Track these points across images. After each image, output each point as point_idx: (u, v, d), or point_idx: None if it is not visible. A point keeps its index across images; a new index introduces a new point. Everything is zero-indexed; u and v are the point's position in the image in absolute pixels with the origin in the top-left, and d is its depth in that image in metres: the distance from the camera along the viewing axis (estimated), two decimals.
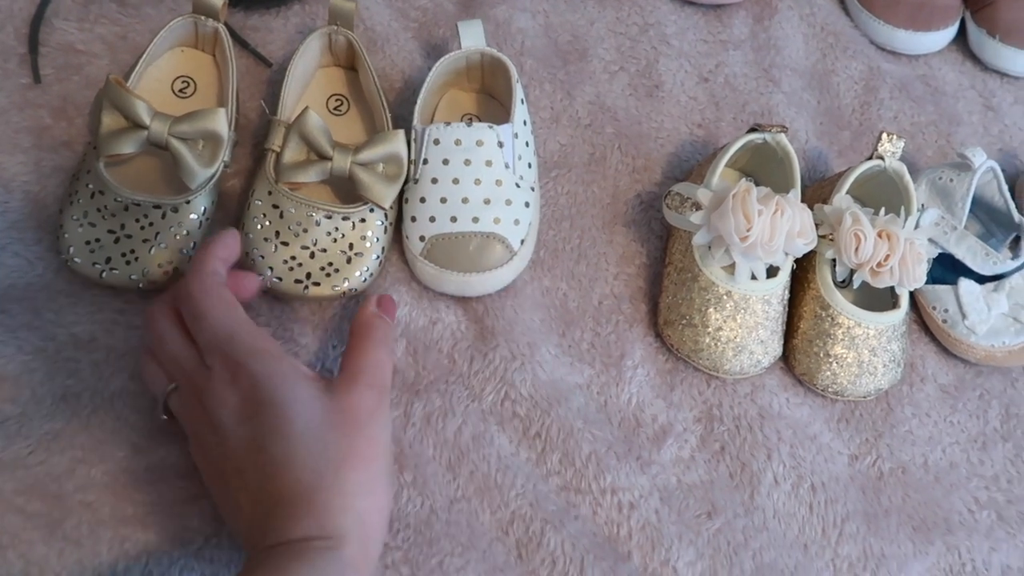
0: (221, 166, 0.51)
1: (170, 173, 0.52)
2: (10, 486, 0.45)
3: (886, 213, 0.56)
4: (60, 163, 0.54)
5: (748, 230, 0.51)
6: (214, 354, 0.42)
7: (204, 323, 0.43)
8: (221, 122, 0.50)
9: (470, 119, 0.60)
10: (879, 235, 0.53)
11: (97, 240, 0.49)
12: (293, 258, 0.51)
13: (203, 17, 0.55)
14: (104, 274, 0.49)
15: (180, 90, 0.57)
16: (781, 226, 0.52)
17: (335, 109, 0.58)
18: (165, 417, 0.45)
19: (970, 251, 0.58)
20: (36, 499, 0.45)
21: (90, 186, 0.50)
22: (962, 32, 0.71)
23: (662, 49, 0.66)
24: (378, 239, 0.53)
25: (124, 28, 0.59)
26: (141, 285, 0.49)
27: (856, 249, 0.53)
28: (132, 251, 0.49)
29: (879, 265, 0.53)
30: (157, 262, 0.49)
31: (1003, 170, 0.66)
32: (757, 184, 0.59)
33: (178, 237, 0.50)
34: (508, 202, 0.54)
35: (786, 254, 0.54)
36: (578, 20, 0.66)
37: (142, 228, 0.50)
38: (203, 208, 0.51)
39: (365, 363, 0.44)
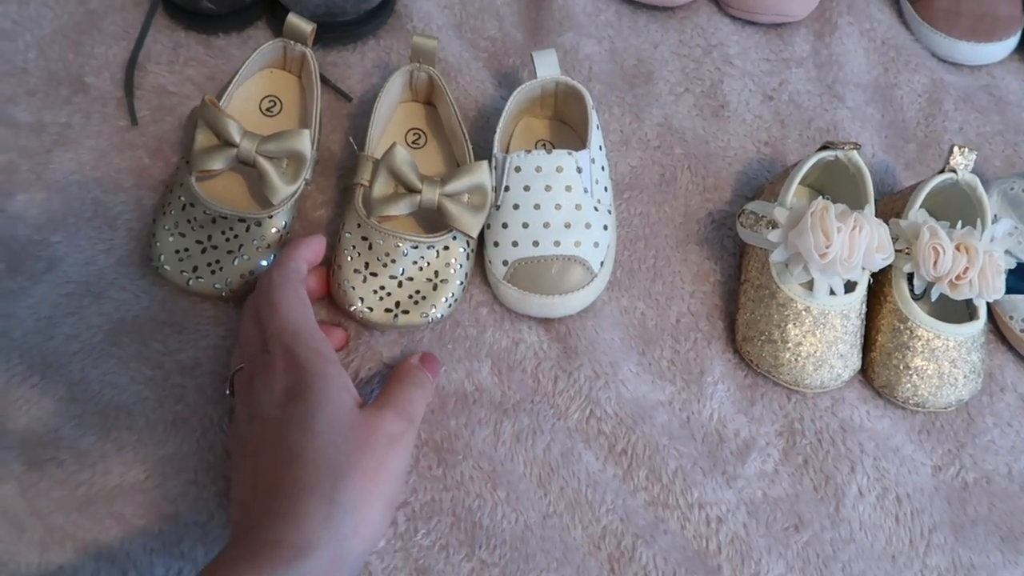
0: (303, 183, 0.54)
1: (255, 189, 0.55)
2: (129, 510, 0.48)
3: (959, 225, 0.56)
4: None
5: (827, 247, 0.52)
6: (276, 342, 0.45)
7: (274, 313, 0.45)
8: (305, 143, 0.53)
9: (545, 145, 0.61)
10: (957, 248, 0.54)
11: (186, 250, 0.52)
12: (382, 288, 0.53)
13: (292, 42, 0.57)
14: (191, 282, 0.52)
15: (267, 109, 0.59)
16: (860, 242, 0.52)
17: (413, 142, 0.60)
18: (229, 393, 0.48)
19: None
20: (154, 521, 0.48)
21: (182, 198, 0.53)
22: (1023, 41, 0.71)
23: (725, 69, 0.68)
24: (461, 265, 0.55)
25: (212, 69, 0.62)
26: (224, 294, 0.52)
27: (935, 263, 0.54)
28: (217, 261, 0.52)
29: (958, 278, 0.54)
30: (240, 272, 0.52)
31: None
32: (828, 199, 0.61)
33: (259, 249, 0.53)
34: (588, 225, 0.56)
35: (863, 269, 0.55)
36: (642, 44, 0.68)
37: (227, 240, 0.53)
38: (284, 223, 0.54)
39: (399, 395, 0.46)
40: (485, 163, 0.54)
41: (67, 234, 0.55)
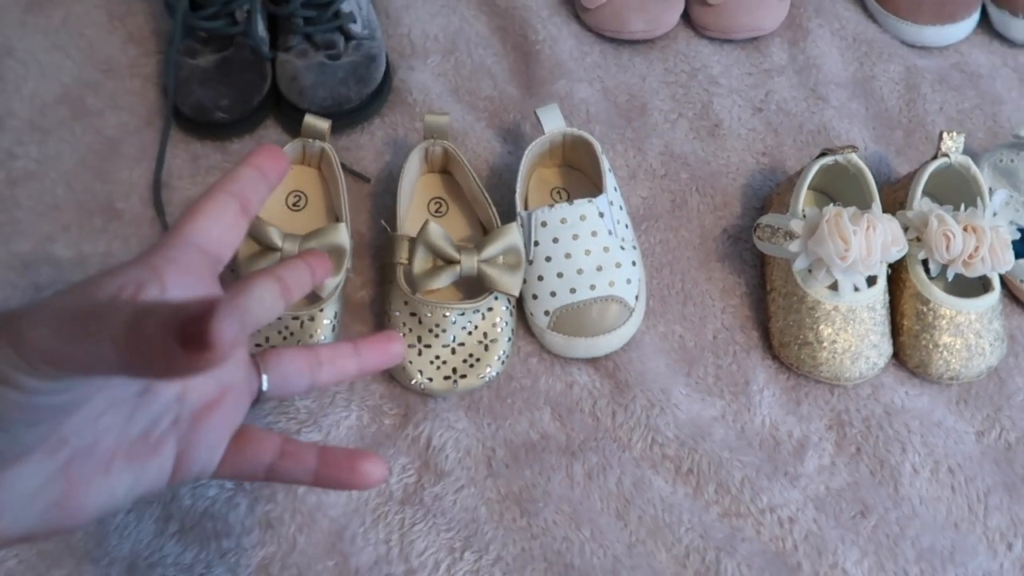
0: (346, 274, 0.56)
1: None
2: None
3: (959, 205, 0.60)
4: None
5: (847, 250, 0.55)
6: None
7: (183, 219, 0.33)
8: (343, 236, 0.56)
9: (560, 192, 0.64)
10: (965, 230, 0.57)
11: None
12: (438, 357, 0.56)
13: (311, 139, 0.60)
14: None
15: (294, 204, 0.62)
16: (876, 240, 0.56)
17: (436, 211, 0.63)
18: None
19: None
20: None
21: None
22: (984, 15, 0.75)
23: (713, 89, 0.71)
24: (507, 323, 0.58)
25: None
26: None
27: (947, 247, 0.57)
28: None
29: (970, 257, 0.57)
30: None
31: None
32: (834, 202, 0.64)
33: (316, 342, 0.55)
34: (618, 264, 0.59)
35: (882, 263, 0.58)
36: (631, 79, 0.71)
37: (284, 339, 0.55)
38: (334, 313, 0.57)
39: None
40: (514, 224, 0.57)
41: None
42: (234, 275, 0.56)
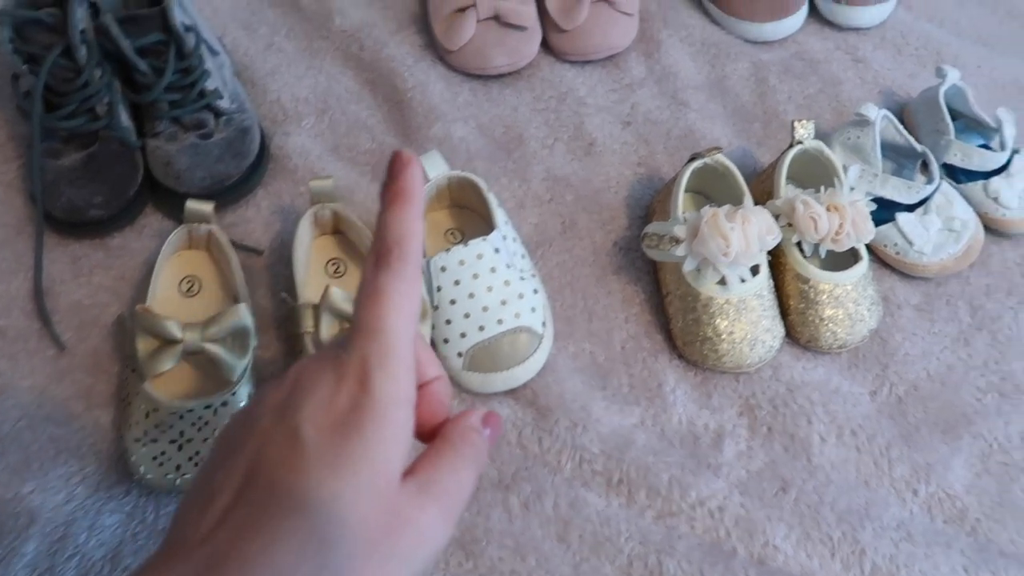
0: (252, 353, 0.56)
1: (208, 371, 0.57)
2: None
3: (819, 186, 0.65)
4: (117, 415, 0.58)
5: (728, 247, 0.59)
6: (359, 343, 0.31)
7: (374, 305, 0.31)
8: (244, 316, 0.55)
9: (454, 233, 0.66)
10: (828, 209, 0.62)
11: (163, 453, 0.54)
12: None
13: (196, 224, 0.59)
14: (178, 481, 0.54)
15: (187, 290, 0.61)
16: (752, 233, 0.60)
17: (335, 273, 0.63)
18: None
19: (895, 189, 0.68)
20: None
21: (143, 407, 0.55)
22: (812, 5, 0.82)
23: (583, 110, 0.74)
24: None
25: (119, 269, 0.63)
26: None
27: (815, 228, 0.62)
28: (197, 452, 0.54)
29: (836, 233, 0.62)
30: None
31: (885, 105, 0.77)
32: (709, 199, 0.68)
33: None
34: (520, 295, 0.61)
35: (761, 252, 0.62)
36: (503, 112, 0.74)
37: (199, 429, 0.55)
38: (247, 394, 0.56)
39: (450, 482, 0.33)
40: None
41: (37, 481, 0.55)
42: (136, 375, 0.55)
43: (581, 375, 0.63)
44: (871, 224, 0.63)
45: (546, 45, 0.77)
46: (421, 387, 0.35)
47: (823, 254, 0.64)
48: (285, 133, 0.70)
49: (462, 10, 0.72)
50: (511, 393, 0.61)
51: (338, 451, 0.30)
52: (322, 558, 0.28)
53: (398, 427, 0.31)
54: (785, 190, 0.65)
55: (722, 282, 0.62)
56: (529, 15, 0.73)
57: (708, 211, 0.60)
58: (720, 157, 0.65)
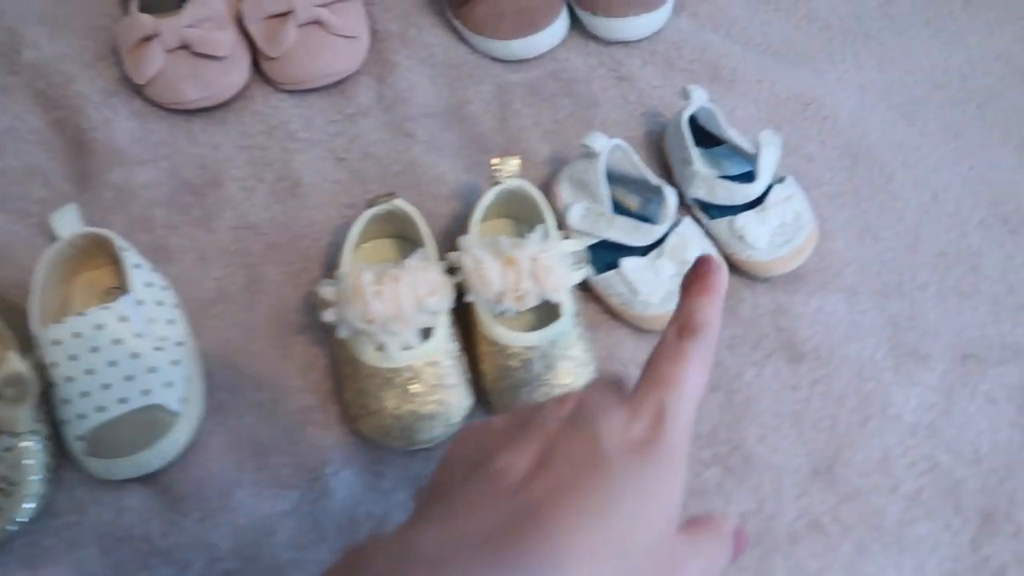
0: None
1: None
2: None
3: (533, 226, 0.57)
4: None
5: (370, 313, 0.51)
6: (654, 395, 0.33)
7: (680, 374, 0.33)
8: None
9: (116, 292, 0.59)
10: (505, 263, 0.54)
11: None
12: None
13: None
14: None
15: None
16: (405, 296, 0.52)
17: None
18: None
19: (622, 230, 0.60)
20: None
21: None
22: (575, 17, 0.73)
23: (292, 146, 0.67)
24: (37, 461, 0.52)
25: None
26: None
27: (486, 287, 0.53)
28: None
29: (515, 291, 0.54)
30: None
31: (649, 129, 0.68)
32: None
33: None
34: (152, 369, 0.53)
35: (433, 314, 0.54)
36: (202, 150, 0.66)
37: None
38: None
39: (711, 545, 0.34)
40: (11, 353, 0.51)
41: None
42: None
43: (237, 454, 0.55)
44: (561, 277, 0.55)
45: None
46: None
47: (512, 313, 0.56)
48: None
49: (147, 39, 0.65)
50: (146, 479, 0.54)
51: (637, 472, 0.31)
52: (618, 561, 0.29)
53: (683, 475, 0.32)
54: (464, 241, 0.56)
55: (382, 348, 0.54)
56: (224, 43, 0.65)
57: (352, 271, 0.52)
58: (398, 202, 0.57)
